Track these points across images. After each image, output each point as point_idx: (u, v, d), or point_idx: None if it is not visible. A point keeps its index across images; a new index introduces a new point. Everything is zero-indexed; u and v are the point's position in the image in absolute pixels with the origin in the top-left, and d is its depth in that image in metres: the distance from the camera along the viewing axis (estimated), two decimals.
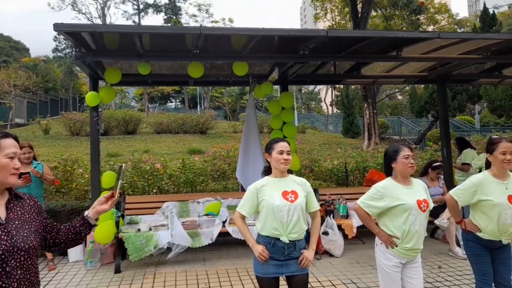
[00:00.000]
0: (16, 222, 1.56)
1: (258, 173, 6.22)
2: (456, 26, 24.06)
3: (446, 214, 5.05)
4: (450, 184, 6.13)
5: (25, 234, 1.56)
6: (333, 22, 21.46)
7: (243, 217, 2.66)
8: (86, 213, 1.85)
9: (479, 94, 17.35)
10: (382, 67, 6.33)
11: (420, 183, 2.85)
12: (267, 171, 2.78)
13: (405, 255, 2.70)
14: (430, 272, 4.55)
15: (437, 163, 5.68)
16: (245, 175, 6.15)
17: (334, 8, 21.37)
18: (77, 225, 1.81)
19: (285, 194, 2.57)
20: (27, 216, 1.63)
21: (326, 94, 35.66)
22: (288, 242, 2.53)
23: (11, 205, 1.61)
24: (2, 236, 1.49)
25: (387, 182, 2.78)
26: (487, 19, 16.34)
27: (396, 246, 2.68)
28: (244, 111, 29.37)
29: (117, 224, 4.94)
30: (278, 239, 2.54)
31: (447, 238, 5.33)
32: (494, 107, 17.06)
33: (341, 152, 12.56)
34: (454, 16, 24.92)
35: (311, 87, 39.51)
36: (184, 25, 28.25)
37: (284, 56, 4.75)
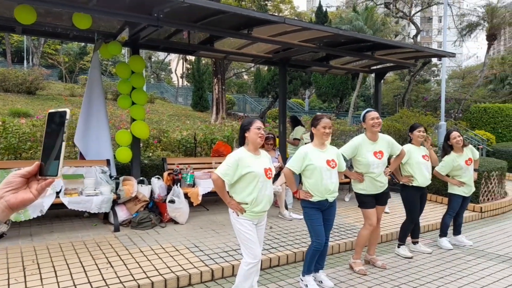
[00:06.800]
0: None
1: (101, 140, 5.84)
2: (296, 18, 26.85)
3: (279, 181, 5.76)
4: (284, 156, 6.97)
5: None
6: None
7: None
8: None
9: (310, 81, 19.96)
10: (233, 44, 6.60)
11: (266, 154, 3.22)
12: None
13: (254, 216, 3.05)
14: None
15: (268, 135, 6.34)
16: (85, 142, 5.64)
17: None
18: None
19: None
20: None
21: (177, 65, 35.06)
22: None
23: None
24: None
25: (240, 151, 3.05)
26: (321, 15, 18.77)
27: (245, 212, 2.99)
28: (83, 74, 26.28)
29: None
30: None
31: (278, 203, 6.08)
32: (320, 93, 19.96)
33: (189, 124, 12.69)
34: (296, 8, 27.73)
35: (161, 56, 38.16)
36: None
37: (137, 16, 4.43)
